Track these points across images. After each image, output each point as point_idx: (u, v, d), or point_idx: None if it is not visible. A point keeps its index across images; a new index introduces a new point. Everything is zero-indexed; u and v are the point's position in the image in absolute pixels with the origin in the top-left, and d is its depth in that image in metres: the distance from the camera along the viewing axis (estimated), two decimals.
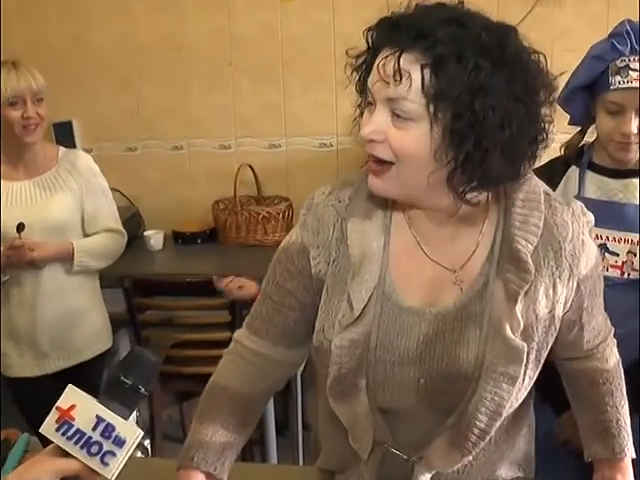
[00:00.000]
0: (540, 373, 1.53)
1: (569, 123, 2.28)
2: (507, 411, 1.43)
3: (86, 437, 1.15)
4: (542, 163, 2.13)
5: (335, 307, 1.47)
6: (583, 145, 2.26)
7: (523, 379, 1.42)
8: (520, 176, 1.39)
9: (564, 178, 2.18)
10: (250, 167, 4.13)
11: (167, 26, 4.18)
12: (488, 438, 1.46)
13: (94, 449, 1.15)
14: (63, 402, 1.17)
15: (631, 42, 2.03)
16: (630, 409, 1.89)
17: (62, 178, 2.90)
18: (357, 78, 1.40)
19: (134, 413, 1.21)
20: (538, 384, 1.61)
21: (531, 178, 1.47)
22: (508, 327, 1.38)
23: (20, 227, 2.72)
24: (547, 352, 1.48)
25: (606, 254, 2.08)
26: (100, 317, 3.10)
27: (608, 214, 2.07)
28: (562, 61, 4.03)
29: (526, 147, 1.34)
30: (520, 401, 1.48)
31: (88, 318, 3.02)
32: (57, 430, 1.15)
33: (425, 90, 1.27)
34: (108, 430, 1.16)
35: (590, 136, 2.23)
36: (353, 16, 3.86)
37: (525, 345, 1.39)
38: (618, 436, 1.62)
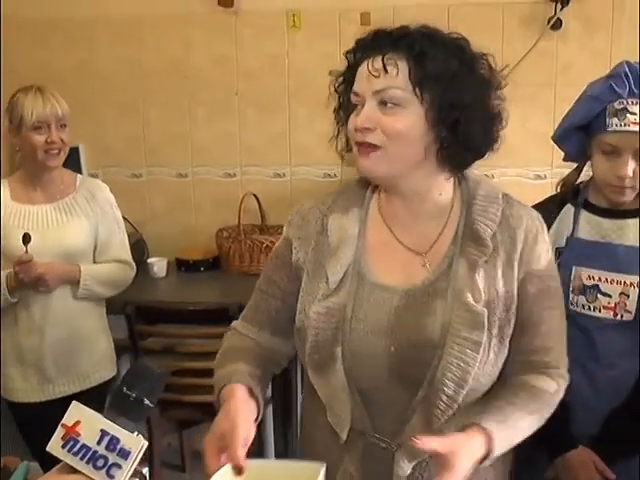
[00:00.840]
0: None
1: (564, 159, 2.26)
2: (473, 381, 1.53)
3: (92, 451, 1.17)
4: (539, 201, 2.15)
5: (315, 288, 1.64)
6: (579, 183, 2.23)
7: (488, 350, 1.55)
8: (491, 149, 1.65)
9: (559, 216, 2.15)
10: (254, 196, 4.15)
11: (174, 53, 4.22)
12: (456, 407, 1.54)
13: (100, 463, 1.17)
14: (68, 419, 1.19)
15: (630, 84, 2.00)
16: (626, 451, 1.90)
17: (79, 205, 2.94)
18: (338, 96, 1.67)
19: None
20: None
21: (489, 181, 1.72)
22: (470, 295, 1.55)
23: (26, 238, 2.70)
24: (510, 332, 1.59)
25: (599, 295, 2.05)
26: (106, 344, 3.11)
27: (601, 255, 2.06)
28: (565, 95, 4.08)
29: (492, 124, 1.61)
30: (488, 380, 1.59)
31: (94, 345, 3.03)
32: (63, 447, 1.18)
33: (412, 77, 1.51)
34: (113, 443, 1.17)
35: (586, 174, 2.21)
36: None
37: (485, 310, 1.54)
38: (488, 413, 1.53)
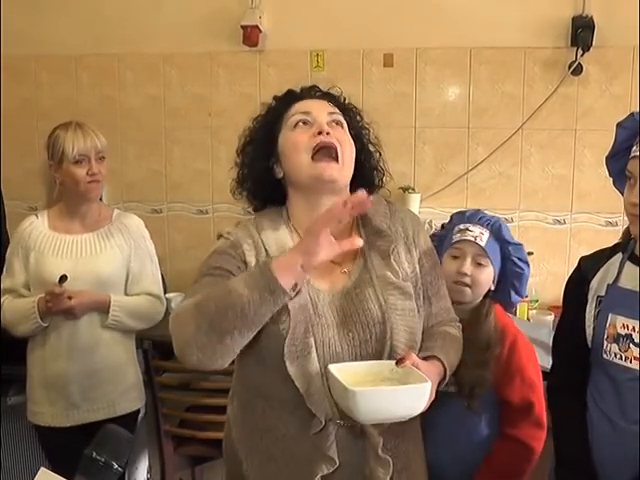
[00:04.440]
0: None
1: None
2: (418, 342, 1.89)
3: None
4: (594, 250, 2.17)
5: None
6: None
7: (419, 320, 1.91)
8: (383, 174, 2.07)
9: (604, 266, 2.11)
10: None
11: (198, 91, 4.29)
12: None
13: None
14: None
15: None
16: None
17: (113, 236, 3.02)
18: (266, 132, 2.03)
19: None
20: None
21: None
22: (391, 274, 1.89)
23: (62, 278, 2.82)
24: (421, 303, 1.95)
25: (631, 345, 1.99)
26: (134, 376, 3.12)
27: (637, 305, 2.00)
28: (585, 140, 4.07)
29: (378, 160, 2.05)
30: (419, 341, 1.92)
31: (121, 375, 3.05)
32: None
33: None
34: None
35: None
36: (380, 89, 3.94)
37: (410, 284, 1.90)
38: (437, 349, 1.91)
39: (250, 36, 4.10)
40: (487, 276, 2.37)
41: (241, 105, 4.20)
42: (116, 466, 1.24)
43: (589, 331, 2.07)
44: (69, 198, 2.99)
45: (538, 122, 3.93)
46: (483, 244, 2.36)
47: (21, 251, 2.98)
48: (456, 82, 4.01)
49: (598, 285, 2.08)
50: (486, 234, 2.38)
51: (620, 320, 2.01)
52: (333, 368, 1.74)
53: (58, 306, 2.83)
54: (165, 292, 4.08)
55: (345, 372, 1.72)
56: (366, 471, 1.85)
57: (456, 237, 2.39)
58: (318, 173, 1.86)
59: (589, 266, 2.14)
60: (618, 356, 2.00)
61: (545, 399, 2.28)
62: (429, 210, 4.08)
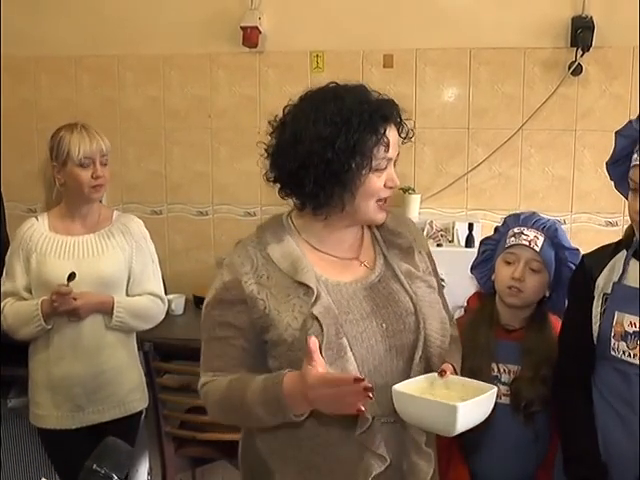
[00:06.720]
0: None
1: None
2: (448, 331, 1.93)
3: None
4: (595, 248, 2.17)
5: (289, 306, 1.82)
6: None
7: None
8: None
9: (610, 263, 2.11)
10: None
11: (198, 93, 4.30)
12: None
13: None
14: None
15: None
16: None
17: (114, 237, 2.99)
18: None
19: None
20: None
21: None
22: (415, 271, 1.95)
23: (71, 276, 2.79)
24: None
25: (638, 342, 2.00)
26: (137, 376, 3.12)
27: None
28: (585, 140, 4.07)
29: None
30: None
31: (125, 375, 3.04)
32: None
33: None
34: None
35: None
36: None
37: (434, 278, 1.99)
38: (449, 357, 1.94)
39: (250, 37, 4.10)
40: (540, 282, 2.35)
41: (241, 106, 4.22)
42: (116, 478, 1.24)
43: (595, 328, 2.07)
44: (70, 200, 2.97)
45: (538, 123, 3.94)
46: (538, 249, 2.34)
47: (22, 254, 2.95)
48: (456, 83, 4.02)
49: (604, 283, 2.08)
50: (541, 238, 2.35)
51: (627, 318, 2.01)
52: (403, 388, 1.73)
53: (64, 306, 2.80)
54: (165, 293, 4.09)
55: (410, 389, 1.73)
56: (404, 466, 1.86)
57: (510, 241, 2.37)
58: (379, 219, 1.91)
59: (594, 264, 2.14)
60: (627, 353, 2.01)
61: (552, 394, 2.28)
62: (429, 211, 4.09)
